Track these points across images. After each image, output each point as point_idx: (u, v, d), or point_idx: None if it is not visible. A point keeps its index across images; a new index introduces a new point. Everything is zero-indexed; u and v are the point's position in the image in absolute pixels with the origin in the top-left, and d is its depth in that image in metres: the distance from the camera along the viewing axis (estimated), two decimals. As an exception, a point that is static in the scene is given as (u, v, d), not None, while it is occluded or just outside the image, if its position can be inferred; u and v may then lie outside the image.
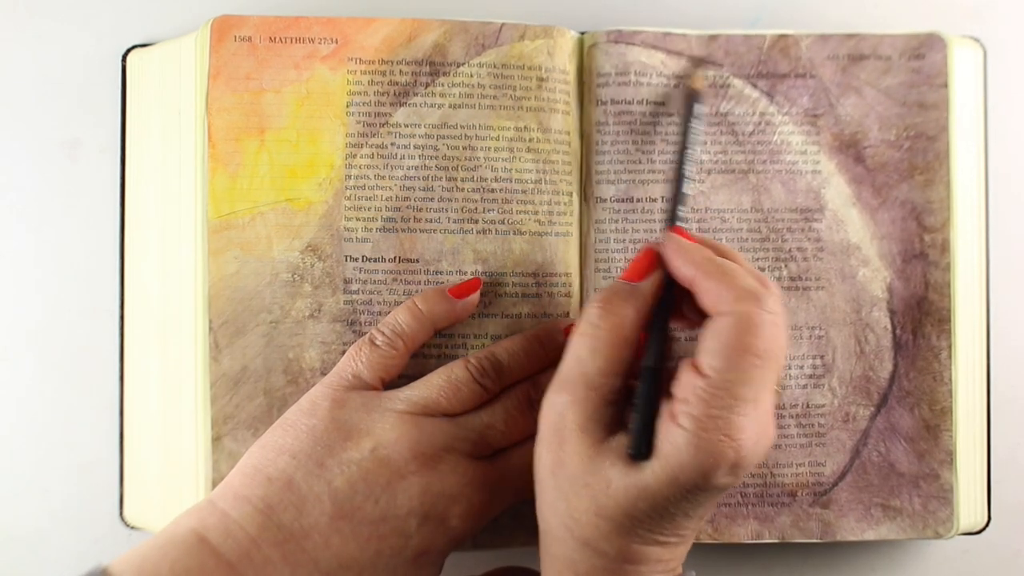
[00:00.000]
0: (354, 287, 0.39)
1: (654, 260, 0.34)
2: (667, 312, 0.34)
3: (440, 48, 0.40)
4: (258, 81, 0.39)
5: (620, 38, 0.40)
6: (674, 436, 0.30)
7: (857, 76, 0.41)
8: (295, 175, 0.39)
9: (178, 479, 0.40)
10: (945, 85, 0.40)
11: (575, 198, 0.41)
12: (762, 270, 0.40)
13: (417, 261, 0.40)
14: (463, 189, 0.40)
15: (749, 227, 0.41)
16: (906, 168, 0.41)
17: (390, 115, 0.40)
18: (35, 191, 0.44)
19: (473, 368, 0.37)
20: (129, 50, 0.43)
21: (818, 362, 0.40)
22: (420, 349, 0.39)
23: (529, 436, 0.37)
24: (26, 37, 0.44)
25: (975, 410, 0.41)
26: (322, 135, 0.39)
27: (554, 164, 0.40)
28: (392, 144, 0.40)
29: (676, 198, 0.37)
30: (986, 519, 0.42)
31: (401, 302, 0.39)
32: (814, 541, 0.40)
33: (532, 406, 0.37)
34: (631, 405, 0.33)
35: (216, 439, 0.39)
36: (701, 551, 0.43)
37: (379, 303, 0.39)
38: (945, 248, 0.40)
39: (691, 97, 0.39)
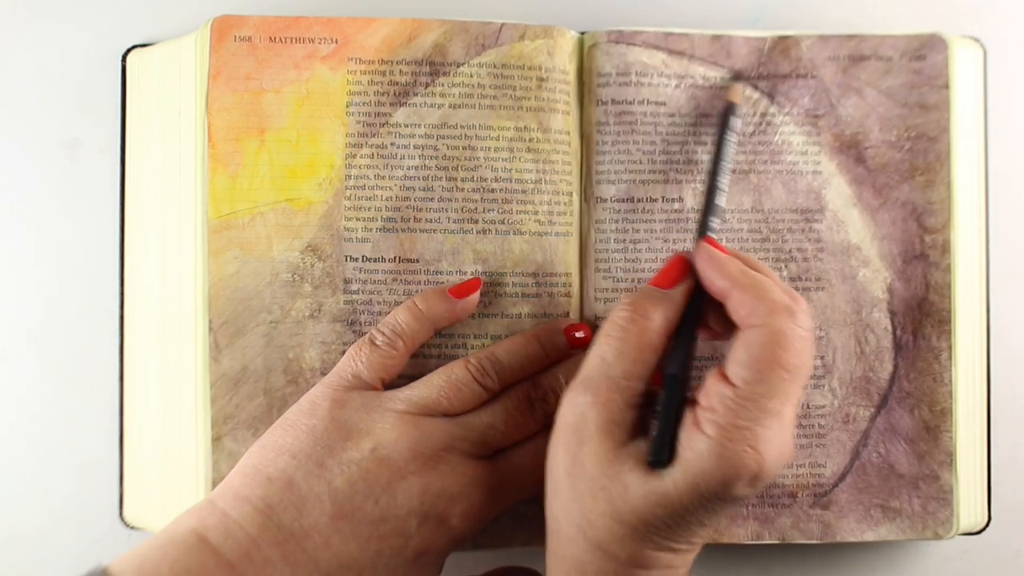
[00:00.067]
0: (354, 287, 0.39)
1: (684, 268, 0.34)
2: (695, 321, 0.34)
3: (440, 48, 0.40)
4: (258, 81, 0.39)
5: (621, 38, 0.40)
6: (697, 443, 0.30)
7: (858, 77, 0.41)
8: (295, 175, 0.39)
9: (178, 479, 0.40)
10: (946, 86, 0.40)
11: (575, 198, 0.41)
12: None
13: (417, 261, 0.40)
14: (463, 189, 0.40)
15: (750, 227, 0.41)
16: (907, 169, 0.41)
17: (390, 115, 0.40)
18: (35, 191, 0.44)
19: (473, 368, 0.37)
20: (129, 50, 0.43)
21: (818, 363, 0.40)
22: (420, 349, 0.39)
23: (529, 436, 0.37)
24: (26, 37, 0.44)
25: (975, 411, 0.41)
26: (322, 135, 0.39)
27: (554, 164, 0.40)
28: (392, 144, 0.40)
29: (708, 209, 0.37)
30: (986, 519, 0.42)
31: (401, 302, 0.39)
32: (814, 542, 0.40)
33: (532, 406, 0.37)
34: (652, 411, 0.32)
35: (216, 439, 0.39)
36: (701, 552, 0.43)
37: (379, 303, 0.39)
38: (946, 249, 0.40)
39: (728, 110, 0.39)
